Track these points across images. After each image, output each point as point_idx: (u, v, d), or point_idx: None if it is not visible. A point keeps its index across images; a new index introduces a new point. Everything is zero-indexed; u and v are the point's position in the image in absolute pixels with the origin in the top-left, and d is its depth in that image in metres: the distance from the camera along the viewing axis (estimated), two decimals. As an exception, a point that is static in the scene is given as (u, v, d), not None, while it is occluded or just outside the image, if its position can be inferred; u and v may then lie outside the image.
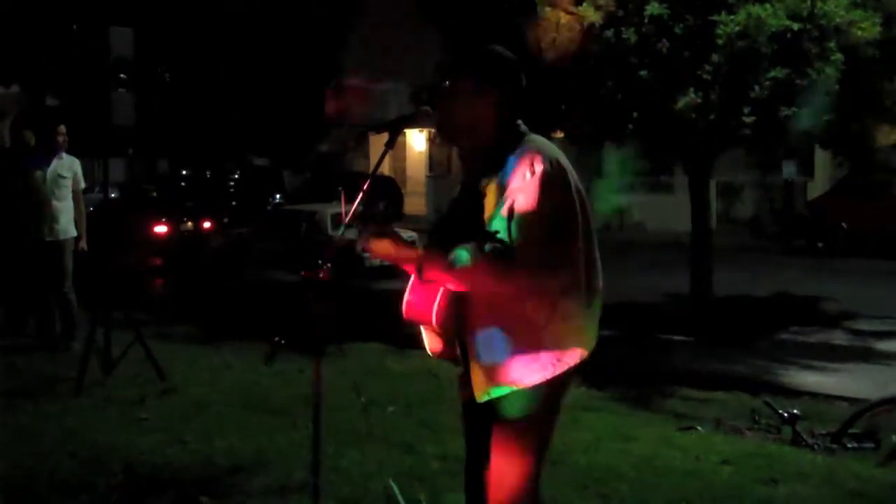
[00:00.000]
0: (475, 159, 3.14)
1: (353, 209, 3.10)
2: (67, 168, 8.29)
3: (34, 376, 7.32)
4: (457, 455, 4.99)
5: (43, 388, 6.92)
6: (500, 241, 2.86)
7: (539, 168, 2.92)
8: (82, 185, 8.50)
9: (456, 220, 3.11)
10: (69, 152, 8.32)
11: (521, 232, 2.86)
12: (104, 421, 6.09)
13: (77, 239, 8.33)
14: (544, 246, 2.89)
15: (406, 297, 3.11)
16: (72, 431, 5.80)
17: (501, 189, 2.92)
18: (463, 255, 2.88)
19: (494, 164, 3.00)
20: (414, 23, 14.97)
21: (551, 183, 2.92)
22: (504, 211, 2.88)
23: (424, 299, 3.04)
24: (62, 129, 8.20)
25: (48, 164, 8.15)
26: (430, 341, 3.15)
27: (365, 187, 3.10)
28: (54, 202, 8.16)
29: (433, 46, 13.46)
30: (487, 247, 2.86)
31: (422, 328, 3.14)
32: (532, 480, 3.07)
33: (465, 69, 3.15)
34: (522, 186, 2.90)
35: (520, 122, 3.13)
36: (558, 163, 2.98)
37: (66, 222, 8.25)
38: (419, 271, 3.00)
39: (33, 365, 7.66)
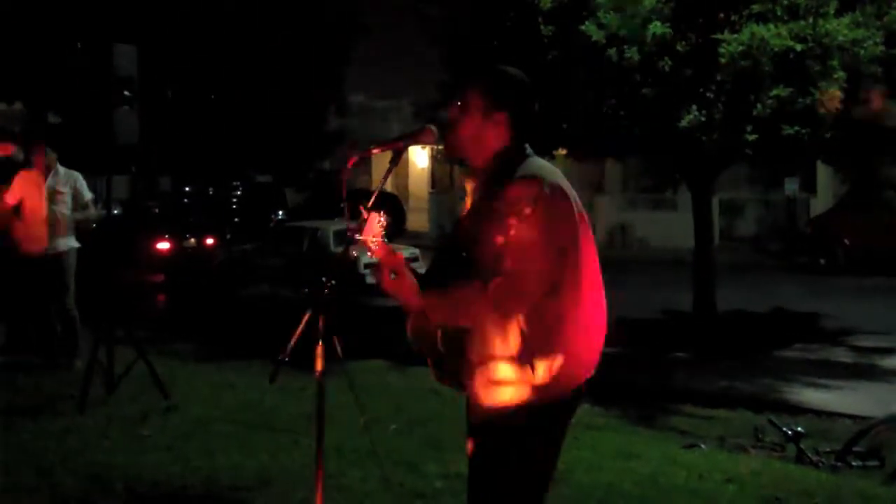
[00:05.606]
0: (478, 180, 3.12)
1: (362, 225, 3.08)
2: (65, 183, 8.25)
3: (36, 394, 7.31)
4: (459, 473, 4.99)
5: (45, 405, 6.91)
6: (498, 269, 2.83)
7: (539, 193, 2.87)
8: (87, 195, 8.45)
9: (458, 248, 3.06)
10: (69, 167, 8.31)
11: (520, 258, 2.83)
12: (106, 439, 6.07)
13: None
14: (543, 271, 2.85)
15: (411, 321, 3.09)
16: (74, 449, 5.78)
17: (500, 213, 2.88)
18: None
19: (496, 186, 2.96)
20: (416, 40, 15.04)
21: (551, 208, 2.88)
22: (502, 236, 2.85)
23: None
24: (38, 147, 8.18)
25: (44, 181, 8.14)
26: (434, 364, 3.13)
27: (370, 203, 3.09)
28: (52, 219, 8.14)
29: (435, 63, 13.53)
30: (485, 282, 2.84)
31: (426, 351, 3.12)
32: (534, 501, 3.05)
33: (475, 88, 3.11)
34: (521, 212, 2.85)
35: (526, 145, 3.08)
36: (560, 188, 2.94)
37: (67, 236, 8.21)
38: (425, 317, 2.98)
39: (35, 382, 7.65)
